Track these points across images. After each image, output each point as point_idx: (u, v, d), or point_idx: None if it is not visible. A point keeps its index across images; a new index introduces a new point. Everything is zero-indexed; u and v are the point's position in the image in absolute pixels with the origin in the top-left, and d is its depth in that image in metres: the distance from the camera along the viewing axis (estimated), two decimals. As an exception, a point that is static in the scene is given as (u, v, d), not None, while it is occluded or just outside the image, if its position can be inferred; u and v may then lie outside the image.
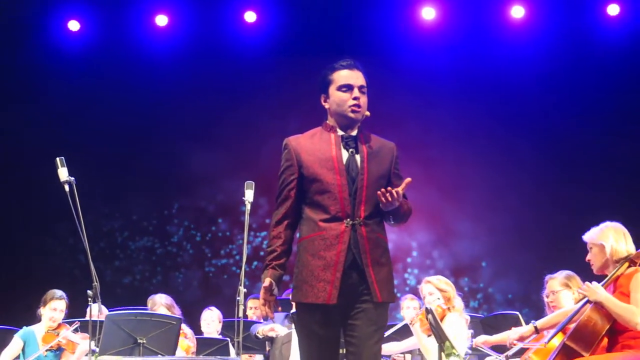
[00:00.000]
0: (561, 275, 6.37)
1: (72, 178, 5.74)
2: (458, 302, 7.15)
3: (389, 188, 4.18)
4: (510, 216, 11.18)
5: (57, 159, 5.78)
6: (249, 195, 6.94)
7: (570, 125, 11.05)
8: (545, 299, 6.43)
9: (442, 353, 6.05)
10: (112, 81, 11.33)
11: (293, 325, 7.74)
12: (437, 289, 7.10)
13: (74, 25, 11.37)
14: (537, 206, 11.21)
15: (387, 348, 7.67)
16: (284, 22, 11.38)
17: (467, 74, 11.23)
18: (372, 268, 4.19)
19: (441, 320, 6.94)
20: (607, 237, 5.28)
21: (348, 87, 4.34)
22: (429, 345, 6.80)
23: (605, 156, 10.88)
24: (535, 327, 5.73)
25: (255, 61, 11.47)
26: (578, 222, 10.54)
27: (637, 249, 5.30)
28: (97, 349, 6.58)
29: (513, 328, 6.05)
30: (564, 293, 6.25)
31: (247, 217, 6.86)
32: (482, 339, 6.45)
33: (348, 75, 4.36)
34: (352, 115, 4.32)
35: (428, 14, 11.19)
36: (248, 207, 6.93)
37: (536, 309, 10.07)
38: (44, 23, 11.41)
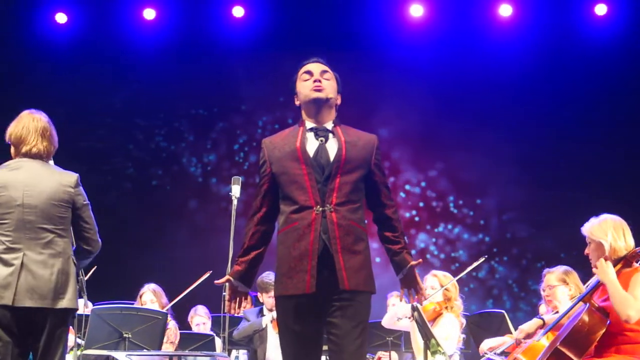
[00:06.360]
0: (559, 270, 6.29)
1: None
2: (458, 304, 7.11)
3: (417, 295, 4.39)
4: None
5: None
6: (235, 190, 6.97)
7: (555, 124, 11.09)
8: (542, 293, 6.38)
9: (428, 350, 6.05)
10: (99, 74, 11.29)
11: (269, 318, 7.79)
12: (440, 286, 7.07)
13: (61, 18, 11.32)
14: (523, 207, 11.27)
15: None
16: (272, 17, 11.36)
17: (455, 72, 11.24)
18: (341, 255, 4.16)
19: (436, 318, 6.93)
20: (606, 235, 5.08)
21: (309, 73, 4.42)
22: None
23: (589, 153, 10.90)
24: (543, 321, 5.64)
25: (242, 56, 11.46)
26: (564, 223, 10.68)
27: (636, 245, 5.11)
28: (83, 343, 6.57)
29: (519, 327, 5.91)
30: (560, 288, 6.17)
31: (233, 212, 6.87)
32: (487, 345, 6.35)
33: (308, 66, 4.45)
34: (315, 94, 4.35)
35: (416, 11, 11.21)
36: (235, 202, 6.96)
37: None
38: (31, 15, 11.35)
